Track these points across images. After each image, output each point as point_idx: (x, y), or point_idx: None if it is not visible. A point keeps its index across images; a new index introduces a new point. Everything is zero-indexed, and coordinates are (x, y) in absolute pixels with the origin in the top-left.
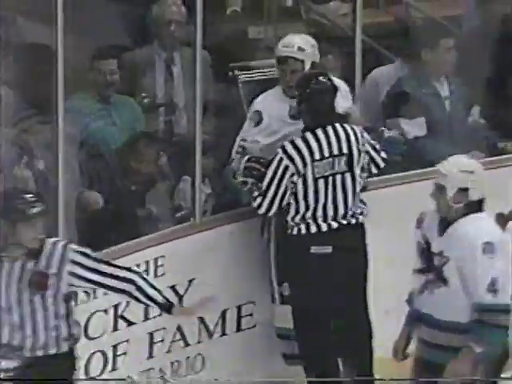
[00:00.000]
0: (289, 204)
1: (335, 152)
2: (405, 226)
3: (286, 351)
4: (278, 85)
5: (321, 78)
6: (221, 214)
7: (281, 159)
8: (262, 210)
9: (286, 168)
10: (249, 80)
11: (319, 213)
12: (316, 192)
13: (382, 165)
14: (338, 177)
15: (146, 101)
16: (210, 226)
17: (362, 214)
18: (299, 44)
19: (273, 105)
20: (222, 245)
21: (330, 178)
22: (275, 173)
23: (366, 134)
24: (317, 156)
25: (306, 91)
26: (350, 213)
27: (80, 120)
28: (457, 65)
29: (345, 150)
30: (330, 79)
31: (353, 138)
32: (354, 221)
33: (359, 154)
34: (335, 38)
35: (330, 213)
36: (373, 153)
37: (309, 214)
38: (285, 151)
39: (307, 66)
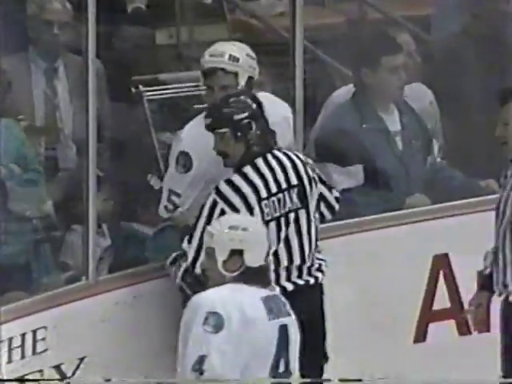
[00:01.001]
0: None
1: (284, 185)
2: None
3: None
4: (201, 104)
5: (234, 98)
6: (121, 272)
7: (214, 203)
8: (197, 271)
9: (223, 213)
10: (158, 98)
11: (283, 262)
12: (277, 239)
13: (336, 206)
14: (291, 216)
15: (22, 124)
16: (108, 288)
17: (320, 270)
18: (231, 52)
19: (202, 141)
20: (123, 312)
21: (283, 220)
22: (208, 222)
23: (310, 161)
24: (263, 193)
25: (223, 120)
26: (306, 265)
27: None
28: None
29: (294, 181)
30: (252, 98)
31: (300, 164)
32: (312, 280)
33: (311, 184)
34: (268, 44)
35: (283, 264)
36: (323, 188)
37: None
38: (218, 192)
39: (242, 81)
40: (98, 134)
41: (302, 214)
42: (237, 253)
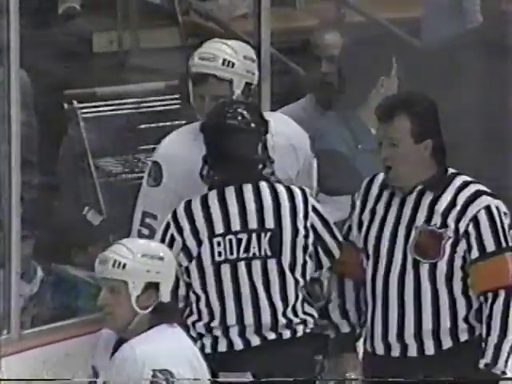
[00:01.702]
0: (186, 304)
1: (252, 225)
2: None
3: None
4: (150, 123)
5: (238, 109)
6: (50, 325)
7: (167, 226)
8: None
9: (172, 240)
10: (96, 116)
11: (230, 320)
12: (220, 286)
13: (336, 255)
14: (256, 264)
15: None
16: (34, 344)
17: (304, 323)
18: (226, 55)
19: (178, 153)
20: (52, 373)
21: (243, 265)
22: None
23: (317, 204)
24: (219, 228)
25: (212, 131)
26: (281, 321)
27: None
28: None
29: (270, 224)
30: (257, 113)
31: (287, 204)
32: (288, 333)
33: (296, 232)
34: None
35: (249, 320)
36: (324, 232)
37: (215, 321)
38: (174, 214)
39: (238, 90)
40: (24, 160)
41: (272, 264)
42: (152, 286)
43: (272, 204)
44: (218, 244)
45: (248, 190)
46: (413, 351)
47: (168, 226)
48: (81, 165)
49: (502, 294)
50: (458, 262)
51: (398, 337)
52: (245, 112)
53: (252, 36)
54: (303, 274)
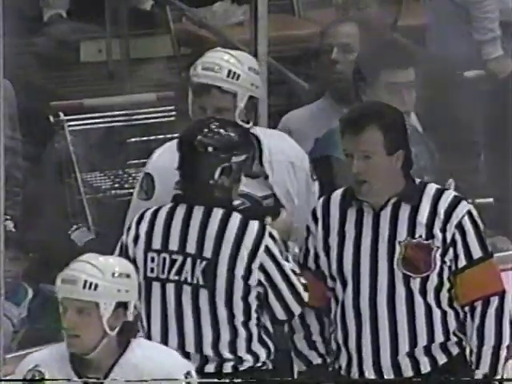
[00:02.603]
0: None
1: (190, 249)
2: None
3: None
4: (141, 136)
5: (214, 126)
6: (36, 348)
7: (128, 229)
8: None
9: (121, 244)
10: (83, 129)
11: (155, 341)
12: (148, 304)
13: (296, 311)
14: (187, 290)
15: None
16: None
17: (239, 361)
18: (232, 66)
19: (172, 166)
20: None
21: (172, 287)
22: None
23: (274, 247)
24: (156, 244)
25: (179, 144)
26: (208, 353)
27: None
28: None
29: (207, 252)
30: (238, 133)
31: (233, 238)
32: (212, 366)
33: (233, 269)
34: None
35: (173, 345)
36: (280, 286)
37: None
38: (132, 219)
39: (241, 103)
40: (8, 175)
41: (203, 294)
42: (121, 305)
43: (216, 233)
44: (152, 260)
45: (198, 212)
46: (408, 371)
47: (128, 229)
48: (67, 180)
49: (494, 301)
50: (446, 273)
51: (392, 358)
52: (221, 131)
53: (248, 44)
54: (246, 313)
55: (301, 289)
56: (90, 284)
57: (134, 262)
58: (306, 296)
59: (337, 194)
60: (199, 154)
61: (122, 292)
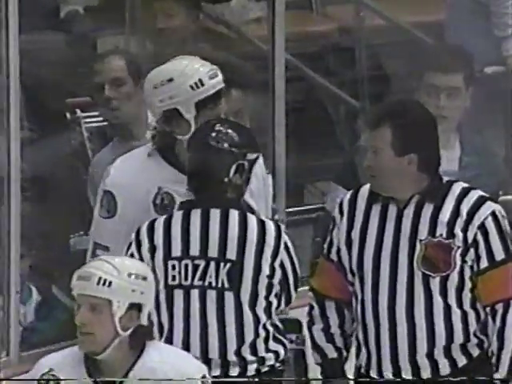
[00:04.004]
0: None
1: (212, 253)
2: None
3: None
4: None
5: (218, 127)
6: (50, 346)
7: (129, 244)
8: None
9: (131, 257)
10: (101, 126)
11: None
12: (170, 312)
13: (293, 296)
14: (212, 294)
15: None
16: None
17: (261, 361)
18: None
19: (132, 179)
20: None
21: (196, 293)
22: None
23: (289, 242)
24: (176, 251)
25: (190, 146)
26: (231, 358)
27: None
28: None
29: (231, 255)
30: (245, 134)
31: (255, 238)
32: (236, 369)
33: (259, 269)
34: (241, 58)
35: (196, 353)
36: (290, 281)
37: None
38: (137, 233)
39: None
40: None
41: (229, 297)
42: (135, 307)
43: (238, 234)
44: (173, 267)
45: (215, 215)
46: (426, 372)
47: (130, 244)
48: (84, 178)
49: None
50: (467, 273)
51: (410, 358)
52: (230, 131)
53: (266, 41)
54: (266, 312)
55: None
56: (105, 281)
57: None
58: (293, 300)
59: (365, 189)
60: (213, 152)
61: (136, 293)
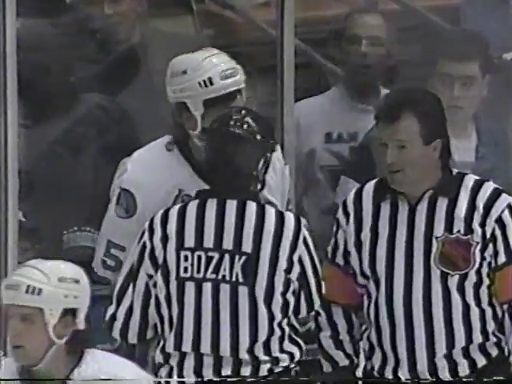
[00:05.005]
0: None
1: (227, 245)
2: None
3: None
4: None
5: (246, 118)
6: None
7: (142, 233)
8: (116, 335)
9: (144, 247)
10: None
11: (186, 345)
12: (181, 305)
13: (316, 303)
14: (225, 288)
15: None
16: None
17: (275, 361)
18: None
19: (152, 176)
20: None
21: (209, 286)
22: (132, 265)
23: (309, 238)
24: (189, 242)
25: (213, 136)
26: (243, 357)
27: None
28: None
29: (247, 247)
30: (266, 126)
31: (272, 230)
32: (248, 369)
33: (276, 262)
34: (249, 44)
35: (206, 349)
36: (311, 280)
37: (170, 343)
38: (150, 222)
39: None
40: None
41: (243, 292)
42: (69, 312)
43: (254, 226)
44: (185, 258)
45: (232, 206)
46: (445, 373)
47: (143, 233)
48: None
49: None
50: (485, 269)
51: (429, 359)
52: (253, 122)
53: (274, 26)
54: (283, 310)
55: (322, 281)
56: (34, 289)
57: (163, 263)
58: (317, 304)
59: (369, 186)
60: (246, 144)
61: (69, 298)
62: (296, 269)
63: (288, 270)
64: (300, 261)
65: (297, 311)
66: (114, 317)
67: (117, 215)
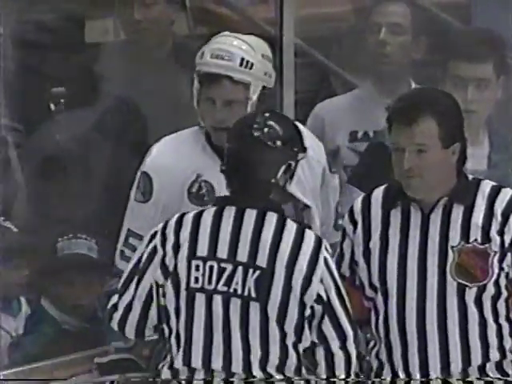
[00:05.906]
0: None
1: (242, 257)
2: None
3: None
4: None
5: (269, 121)
6: (31, 365)
7: (153, 235)
8: (115, 326)
9: (154, 251)
10: None
11: (195, 361)
12: (191, 317)
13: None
14: (236, 303)
15: None
16: None
17: (282, 365)
18: (244, 54)
19: (172, 162)
20: None
21: (219, 300)
22: (140, 257)
23: (330, 260)
24: (202, 251)
25: (233, 140)
26: (257, 374)
27: None
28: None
29: (262, 261)
30: (292, 129)
31: (290, 245)
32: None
33: (290, 280)
34: None
35: (217, 366)
36: (336, 305)
37: (179, 358)
38: (164, 225)
39: (254, 96)
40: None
41: (254, 308)
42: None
43: (272, 239)
44: (197, 268)
45: (251, 215)
46: None
47: (154, 235)
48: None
49: None
50: (503, 281)
51: (443, 378)
52: (277, 126)
53: (273, 24)
54: (297, 332)
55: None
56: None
57: (173, 270)
58: (350, 335)
59: (378, 193)
60: (264, 149)
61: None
62: (315, 289)
63: (303, 289)
64: (322, 283)
65: (326, 344)
66: (115, 306)
67: (135, 199)
